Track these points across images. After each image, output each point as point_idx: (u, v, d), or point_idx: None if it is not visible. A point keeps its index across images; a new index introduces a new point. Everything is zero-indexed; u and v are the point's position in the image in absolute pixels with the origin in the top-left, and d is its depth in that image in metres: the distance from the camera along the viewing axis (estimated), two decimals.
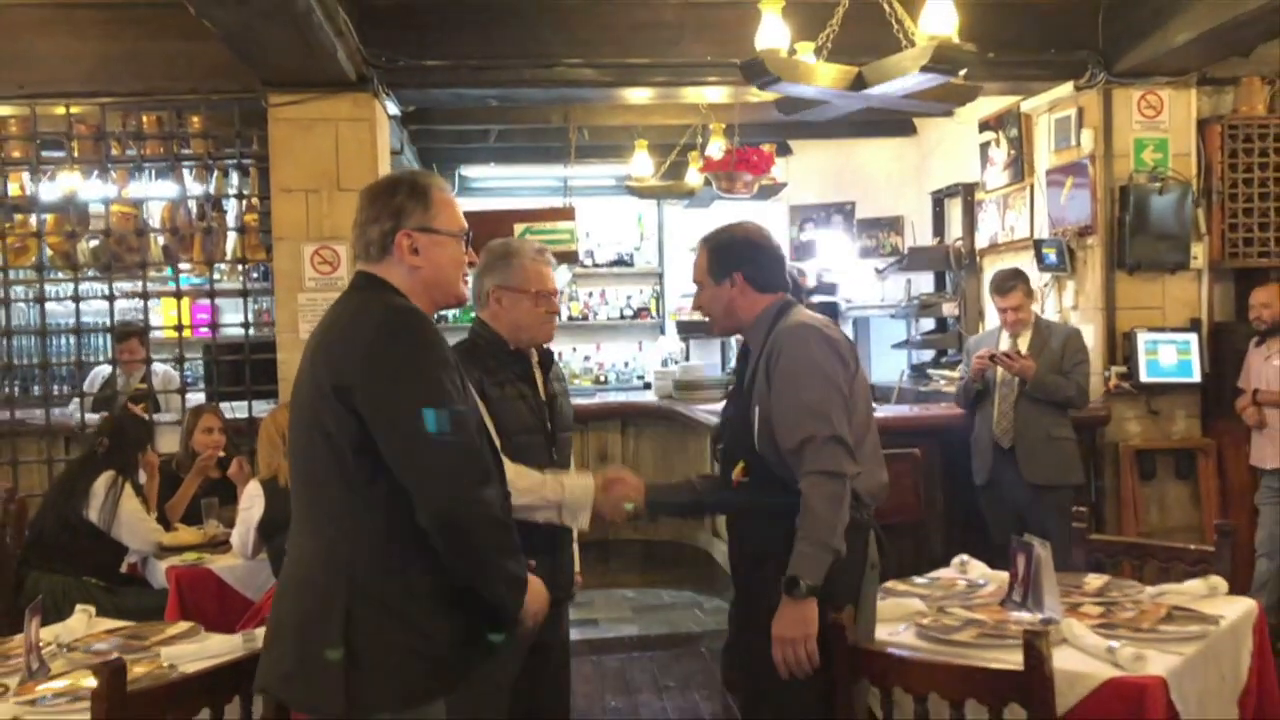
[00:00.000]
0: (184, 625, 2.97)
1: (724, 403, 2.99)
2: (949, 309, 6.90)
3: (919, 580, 3.09)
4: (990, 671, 2.13)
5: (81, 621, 2.98)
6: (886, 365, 7.92)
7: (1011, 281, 4.84)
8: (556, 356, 2.97)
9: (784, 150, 8.06)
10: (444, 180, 2.30)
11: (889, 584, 3.00)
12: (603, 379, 9.20)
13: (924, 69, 3.41)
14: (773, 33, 3.68)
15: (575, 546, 2.99)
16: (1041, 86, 5.69)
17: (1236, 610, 2.70)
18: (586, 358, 9.32)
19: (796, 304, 2.61)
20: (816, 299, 7.40)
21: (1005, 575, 2.86)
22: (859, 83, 3.65)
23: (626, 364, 9.35)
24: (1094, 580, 2.97)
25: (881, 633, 2.59)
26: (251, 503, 3.75)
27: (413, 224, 2.09)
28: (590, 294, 9.35)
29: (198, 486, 4.50)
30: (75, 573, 4.02)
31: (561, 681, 2.97)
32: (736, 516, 2.72)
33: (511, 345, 2.77)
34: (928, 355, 7.36)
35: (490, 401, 2.58)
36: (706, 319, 2.70)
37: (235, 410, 5.25)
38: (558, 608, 2.77)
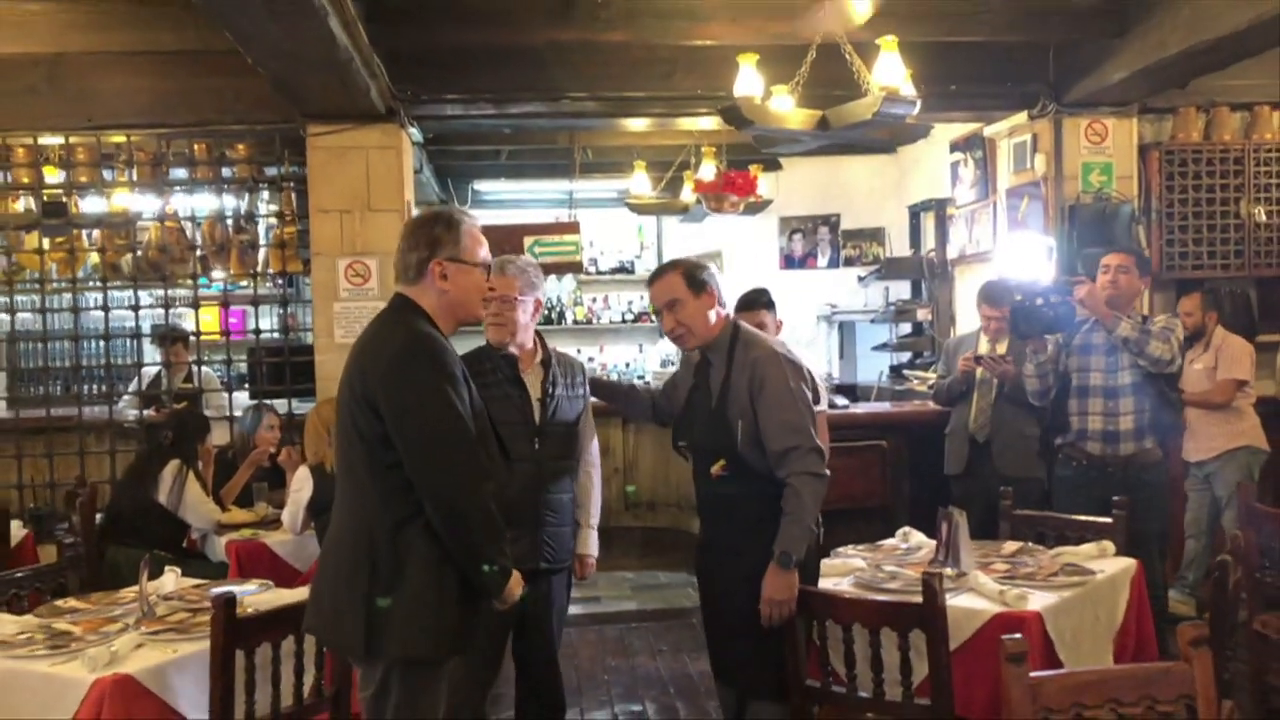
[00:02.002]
0: (256, 582, 3.61)
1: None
2: (923, 314, 7.50)
3: (863, 546, 3.70)
4: (897, 605, 2.76)
5: (171, 579, 3.61)
6: (868, 366, 8.54)
7: (996, 295, 5.37)
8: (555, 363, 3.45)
9: (774, 166, 8.66)
10: (473, 217, 2.66)
11: (841, 549, 3.62)
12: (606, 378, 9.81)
13: (875, 115, 4.02)
14: (748, 82, 4.30)
15: (590, 532, 3.52)
16: (1001, 115, 6.31)
17: (1117, 566, 3.32)
18: (590, 359, 9.92)
19: (740, 323, 3.24)
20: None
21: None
22: (823, 124, 4.26)
23: (628, 365, 9.96)
24: (1010, 546, 3.59)
25: (828, 584, 3.21)
26: (301, 485, 4.36)
27: (444, 254, 2.52)
28: (594, 299, 9.97)
29: (251, 473, 5.12)
30: (147, 546, 4.61)
31: (549, 650, 3.43)
32: (708, 512, 3.26)
33: (501, 350, 3.32)
34: (905, 357, 7.97)
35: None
36: (682, 334, 3.17)
37: (277, 406, 5.87)
38: (547, 579, 3.33)
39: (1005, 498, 3.99)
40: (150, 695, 2.71)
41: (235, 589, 3.38)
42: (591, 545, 3.56)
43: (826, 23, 3.85)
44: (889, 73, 4.08)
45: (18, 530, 4.85)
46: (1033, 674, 2.07)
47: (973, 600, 2.96)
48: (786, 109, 4.43)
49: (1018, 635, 2.16)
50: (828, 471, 3.04)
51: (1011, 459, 5.07)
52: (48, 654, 2.84)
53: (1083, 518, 3.82)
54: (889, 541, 3.81)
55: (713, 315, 3.17)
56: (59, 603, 3.37)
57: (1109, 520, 3.66)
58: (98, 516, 4.82)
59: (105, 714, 2.61)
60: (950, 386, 5.28)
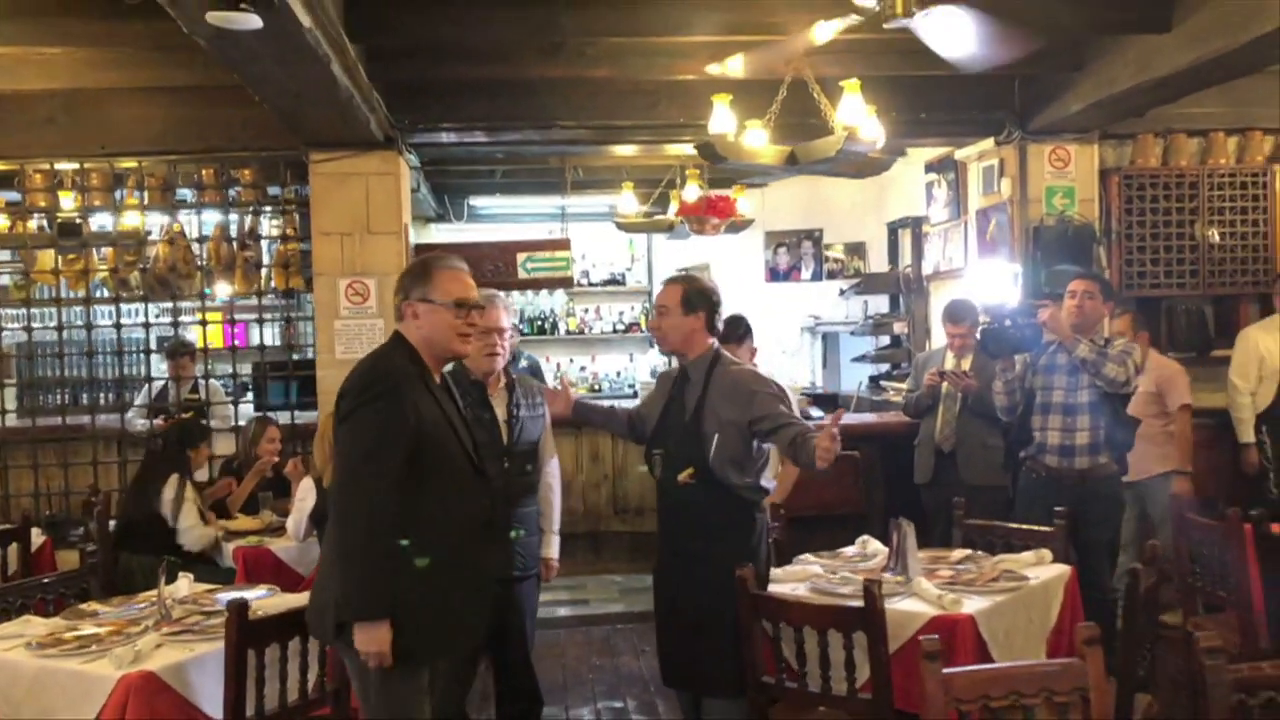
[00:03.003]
0: (263, 587, 3.91)
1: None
2: (900, 327, 7.82)
3: (824, 553, 4.01)
4: (841, 608, 3.07)
5: (185, 584, 3.91)
6: (850, 376, 8.86)
7: (964, 315, 5.60)
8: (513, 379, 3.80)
9: (759, 183, 8.98)
10: (458, 264, 2.94)
11: (801, 556, 3.93)
12: (597, 387, 10.13)
13: (838, 153, 4.33)
14: (722, 120, 4.61)
15: (553, 537, 3.87)
16: (970, 140, 6.63)
17: (1052, 573, 3.63)
18: (582, 368, 10.26)
19: (722, 350, 3.57)
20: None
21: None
22: (791, 159, 4.57)
23: (619, 373, 10.28)
24: (958, 553, 3.90)
25: (786, 588, 3.51)
26: (305, 495, 4.65)
27: (415, 296, 2.85)
28: (586, 310, 10.30)
29: (256, 483, 5.43)
30: (158, 553, 4.90)
31: (524, 650, 3.75)
32: (670, 518, 3.55)
33: (471, 376, 3.61)
34: (885, 367, 8.28)
35: None
36: (657, 334, 3.60)
37: (279, 417, 6.19)
38: (519, 585, 3.65)
39: (958, 507, 4.30)
40: (170, 690, 3.00)
41: (246, 594, 3.69)
42: (554, 549, 3.91)
43: (793, 50, 4.12)
44: (851, 113, 4.39)
45: (36, 537, 5.15)
46: (945, 669, 2.38)
47: (914, 604, 3.26)
48: (759, 144, 4.73)
49: (935, 636, 2.48)
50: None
51: (975, 468, 5.35)
52: (76, 654, 3.13)
53: (1028, 526, 4.12)
54: (848, 550, 4.11)
55: (696, 335, 3.50)
56: (83, 606, 3.67)
57: (1051, 529, 3.97)
58: (110, 524, 5.13)
59: (130, 707, 2.90)
60: (918, 400, 5.57)
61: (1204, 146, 6.45)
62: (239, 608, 2.97)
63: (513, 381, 3.76)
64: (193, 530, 4.98)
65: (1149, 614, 3.21)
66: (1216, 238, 6.28)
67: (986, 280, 6.34)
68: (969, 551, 3.93)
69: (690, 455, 3.41)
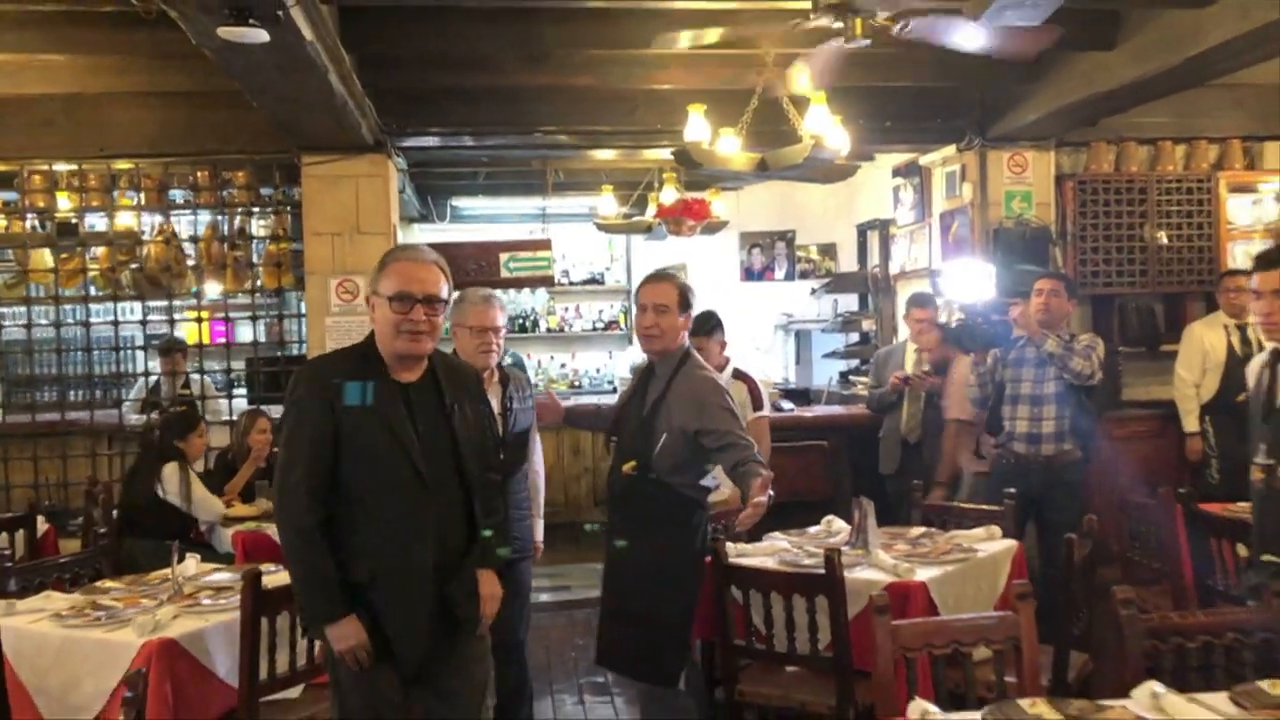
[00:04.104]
0: (268, 565, 4.16)
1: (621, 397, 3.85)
2: (868, 325, 8.14)
3: (792, 531, 4.30)
4: (805, 575, 3.37)
5: (193, 563, 4.16)
6: (822, 371, 9.18)
7: (925, 300, 5.97)
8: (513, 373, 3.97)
9: (734, 186, 9.27)
10: (416, 251, 2.81)
11: (771, 534, 4.23)
12: (577, 383, 10.40)
13: (805, 160, 4.63)
14: (696, 128, 4.90)
15: (539, 521, 4.03)
16: (933, 147, 6.96)
17: (1000, 547, 3.94)
18: (563, 365, 10.53)
19: (691, 350, 3.61)
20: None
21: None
22: (761, 166, 4.87)
23: (599, 370, 10.55)
24: (915, 530, 4.21)
25: (755, 562, 3.80)
26: None
27: (371, 289, 2.78)
28: (566, 309, 10.57)
29: (252, 473, 5.67)
30: (160, 538, 5.16)
31: (518, 629, 3.90)
32: (613, 504, 3.59)
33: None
34: (854, 363, 8.60)
35: None
36: (655, 335, 3.49)
37: (271, 410, 6.42)
38: (516, 566, 3.69)
39: (915, 490, 4.62)
40: (189, 656, 3.25)
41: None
42: (539, 533, 4.12)
43: (774, 88, 4.43)
44: (818, 123, 4.69)
45: (40, 525, 5.37)
46: (893, 621, 2.68)
47: (872, 573, 3.56)
48: (732, 150, 5.03)
49: (884, 592, 2.77)
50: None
51: (940, 456, 5.72)
52: (99, 624, 3.38)
53: (980, 506, 4.44)
54: (814, 528, 4.41)
55: (682, 335, 3.55)
56: (97, 584, 3.92)
57: (1000, 509, 4.28)
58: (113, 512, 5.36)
59: (153, 671, 3.15)
60: (881, 398, 5.92)
61: (1153, 154, 6.81)
62: (254, 577, 3.23)
63: (505, 376, 3.93)
64: (207, 501, 5.22)
65: (1083, 579, 3.52)
66: (1165, 240, 6.64)
67: (959, 280, 6.65)
68: (925, 529, 4.24)
69: (636, 449, 3.45)
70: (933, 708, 2.22)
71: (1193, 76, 5.03)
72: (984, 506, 4.43)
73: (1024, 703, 2.30)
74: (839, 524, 4.41)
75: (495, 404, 3.81)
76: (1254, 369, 3.29)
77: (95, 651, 3.26)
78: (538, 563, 4.22)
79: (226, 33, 3.55)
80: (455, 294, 3.69)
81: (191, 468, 5.36)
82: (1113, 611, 2.65)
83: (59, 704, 3.26)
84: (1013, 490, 4.35)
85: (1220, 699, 2.27)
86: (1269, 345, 3.21)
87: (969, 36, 3.47)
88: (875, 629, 2.66)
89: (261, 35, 3.60)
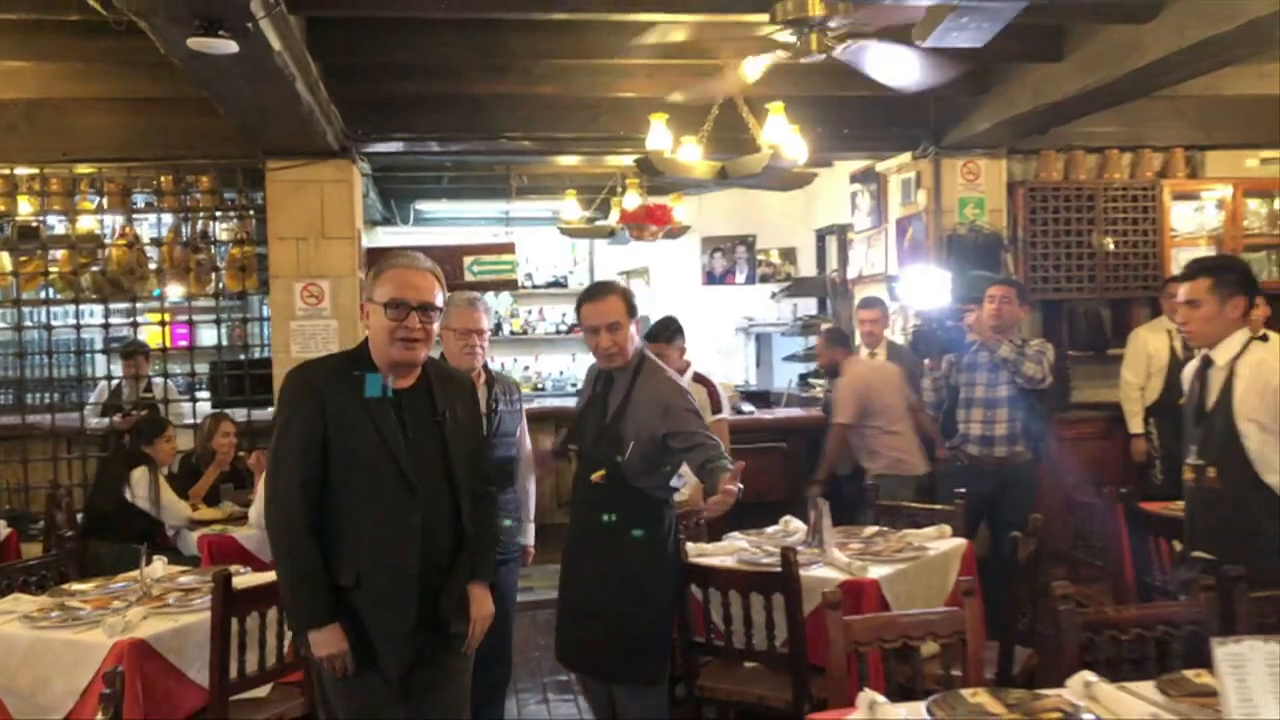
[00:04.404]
0: (235, 567, 4.21)
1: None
2: (826, 328, 8.28)
3: (751, 531, 4.43)
4: (762, 574, 3.49)
5: (160, 565, 4.20)
6: (782, 374, 9.33)
7: (872, 301, 6.18)
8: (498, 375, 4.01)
9: (697, 191, 9.39)
10: (408, 258, 2.80)
11: (730, 533, 4.35)
12: (540, 385, 10.48)
13: (764, 169, 4.76)
14: (659, 137, 5.02)
15: (529, 525, 4.06)
16: (889, 154, 7.12)
17: (950, 545, 4.08)
18: (526, 367, 10.61)
19: (646, 353, 3.63)
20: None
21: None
22: (722, 174, 4.99)
23: (561, 372, 10.64)
24: (869, 530, 4.35)
25: (715, 561, 3.91)
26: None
27: (365, 297, 2.80)
28: (529, 312, 10.65)
29: (216, 476, 5.70)
30: (125, 541, 5.18)
31: (503, 631, 3.84)
32: (581, 512, 3.57)
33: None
34: (812, 365, 8.75)
35: None
36: (615, 353, 3.46)
37: (236, 414, 6.45)
38: (500, 569, 3.57)
39: (870, 491, 4.76)
40: (159, 656, 3.30)
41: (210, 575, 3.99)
42: (530, 536, 4.18)
43: (725, 87, 4.56)
44: (776, 132, 4.82)
45: (3, 529, 5.37)
46: (846, 617, 2.80)
47: (827, 571, 3.69)
48: (693, 159, 5.15)
49: (838, 588, 2.89)
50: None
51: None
52: (68, 625, 3.42)
53: (931, 506, 4.60)
54: (772, 528, 4.54)
55: (633, 341, 3.53)
56: (64, 586, 3.95)
57: (952, 508, 4.44)
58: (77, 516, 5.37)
59: (124, 671, 3.21)
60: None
61: (1101, 162, 7.02)
62: (224, 578, 3.29)
63: (492, 378, 3.96)
64: (174, 505, 5.27)
65: (1027, 577, 3.67)
66: (1112, 246, 6.85)
67: (915, 286, 6.81)
68: (879, 528, 4.38)
69: (604, 457, 3.45)
70: (881, 698, 2.34)
71: (1134, 89, 5.22)
72: (933, 506, 4.59)
73: (966, 692, 2.43)
74: (796, 524, 4.53)
75: (480, 405, 3.76)
76: (1187, 374, 3.46)
77: (65, 652, 3.30)
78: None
79: (196, 44, 3.61)
80: None
81: (160, 472, 5.39)
82: (1051, 606, 2.80)
83: (28, 704, 3.30)
84: (963, 490, 4.51)
85: (1148, 688, 2.41)
86: (1200, 352, 3.38)
87: (894, 69, 3.65)
88: (828, 624, 2.78)
89: (231, 46, 3.67)
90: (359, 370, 2.75)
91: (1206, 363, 3.30)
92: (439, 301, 2.78)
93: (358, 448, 2.69)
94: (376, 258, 3.21)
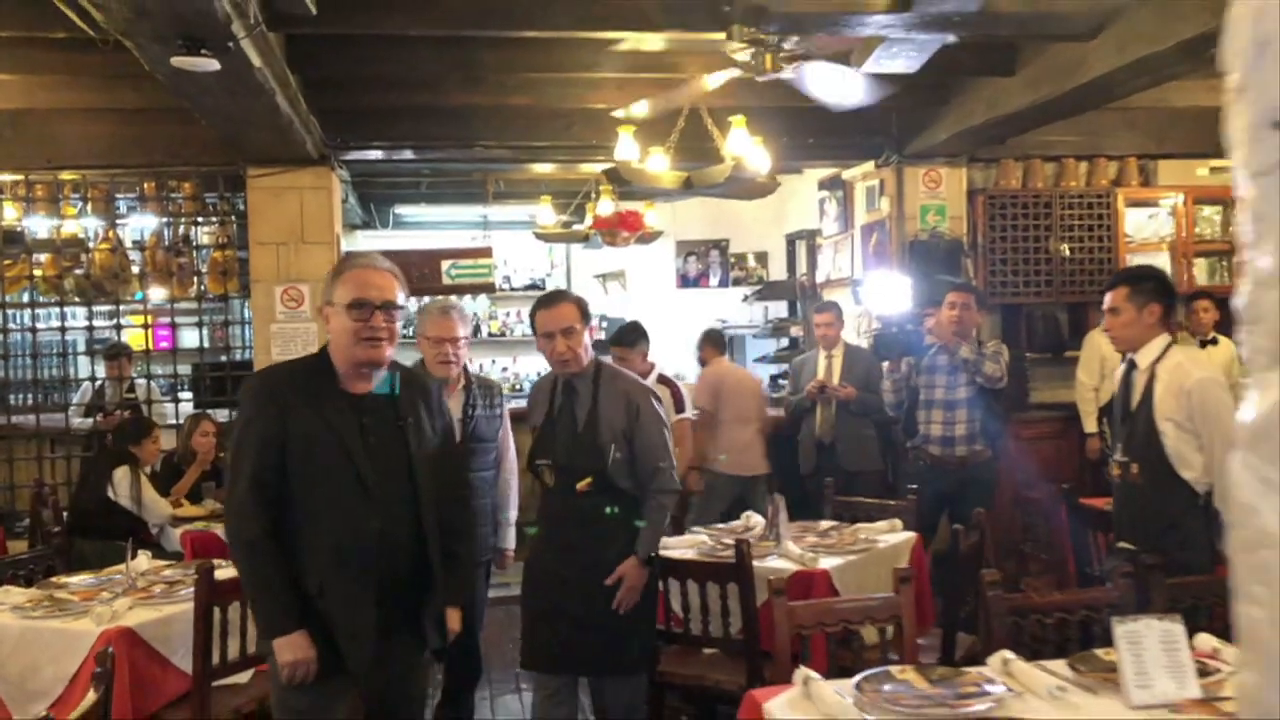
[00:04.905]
0: (217, 561, 4.38)
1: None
2: (796, 331, 8.52)
3: (713, 525, 4.63)
4: (718, 564, 3.69)
5: (144, 560, 4.37)
6: (755, 374, 9.54)
7: (826, 304, 6.42)
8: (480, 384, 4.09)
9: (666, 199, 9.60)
10: (368, 258, 2.79)
11: (694, 527, 4.55)
12: (518, 387, 10.64)
13: (727, 180, 4.97)
14: (626, 149, 5.22)
15: (510, 529, 4.06)
16: (854, 162, 7.35)
17: (900, 538, 4.30)
18: (504, 369, 10.78)
19: (600, 358, 3.64)
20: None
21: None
22: (687, 184, 5.20)
23: (539, 373, 10.78)
24: (826, 524, 4.56)
25: (676, 554, 4.11)
26: None
27: (325, 300, 2.76)
28: (507, 314, 10.82)
29: (198, 475, 5.86)
30: (109, 538, 5.34)
31: (470, 633, 3.97)
32: (564, 522, 3.57)
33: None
34: (784, 366, 8.97)
35: None
36: (570, 359, 3.45)
37: (218, 414, 6.61)
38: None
39: (828, 487, 4.98)
40: (145, 644, 3.47)
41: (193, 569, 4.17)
42: (510, 540, 4.27)
43: (688, 96, 4.76)
44: (739, 145, 5.03)
45: None
46: (790, 603, 3.01)
47: (781, 562, 3.90)
48: (661, 169, 5.35)
49: (789, 578, 3.10)
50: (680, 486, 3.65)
51: (854, 456, 6.12)
52: (57, 615, 3.58)
53: (885, 501, 4.82)
54: (734, 523, 4.74)
55: (589, 348, 3.55)
56: (53, 579, 4.11)
57: (904, 503, 4.66)
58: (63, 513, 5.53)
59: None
60: (799, 405, 6.31)
61: (1058, 171, 7.27)
62: (207, 570, 3.47)
63: (470, 382, 4.04)
64: (156, 505, 5.42)
65: (966, 568, 3.89)
66: (1068, 252, 7.09)
67: (878, 290, 7.03)
68: (835, 523, 4.59)
69: (586, 466, 3.47)
70: (815, 675, 2.54)
71: (1081, 103, 5.45)
72: (887, 501, 4.81)
73: (895, 669, 2.63)
74: (756, 519, 4.73)
75: (455, 410, 3.90)
76: (1117, 376, 3.69)
77: (54, 640, 3.46)
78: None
79: (180, 62, 3.78)
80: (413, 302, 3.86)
81: (143, 471, 5.54)
82: (980, 592, 3.01)
83: (19, 690, 3.46)
84: (914, 487, 4.73)
85: (1061, 665, 2.63)
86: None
87: (835, 88, 3.87)
88: (774, 608, 2.99)
89: (213, 65, 3.84)
90: (319, 377, 2.74)
91: (1131, 366, 3.53)
92: (401, 300, 2.76)
93: (316, 454, 2.67)
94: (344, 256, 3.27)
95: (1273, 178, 0.99)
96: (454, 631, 2.95)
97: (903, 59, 2.93)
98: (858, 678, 2.56)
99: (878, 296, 6.99)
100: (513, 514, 4.29)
